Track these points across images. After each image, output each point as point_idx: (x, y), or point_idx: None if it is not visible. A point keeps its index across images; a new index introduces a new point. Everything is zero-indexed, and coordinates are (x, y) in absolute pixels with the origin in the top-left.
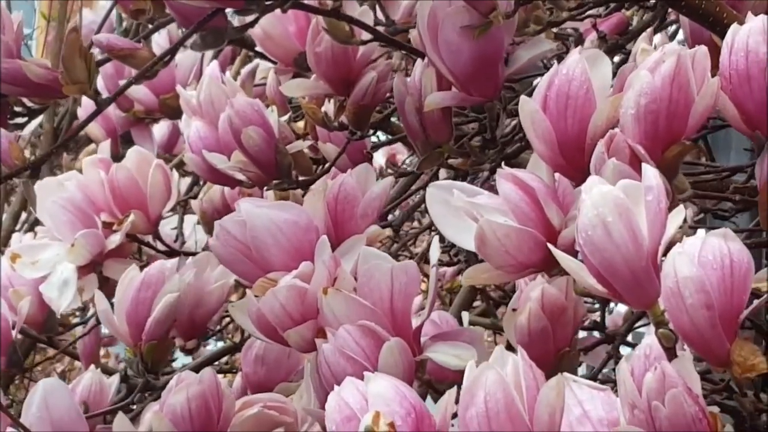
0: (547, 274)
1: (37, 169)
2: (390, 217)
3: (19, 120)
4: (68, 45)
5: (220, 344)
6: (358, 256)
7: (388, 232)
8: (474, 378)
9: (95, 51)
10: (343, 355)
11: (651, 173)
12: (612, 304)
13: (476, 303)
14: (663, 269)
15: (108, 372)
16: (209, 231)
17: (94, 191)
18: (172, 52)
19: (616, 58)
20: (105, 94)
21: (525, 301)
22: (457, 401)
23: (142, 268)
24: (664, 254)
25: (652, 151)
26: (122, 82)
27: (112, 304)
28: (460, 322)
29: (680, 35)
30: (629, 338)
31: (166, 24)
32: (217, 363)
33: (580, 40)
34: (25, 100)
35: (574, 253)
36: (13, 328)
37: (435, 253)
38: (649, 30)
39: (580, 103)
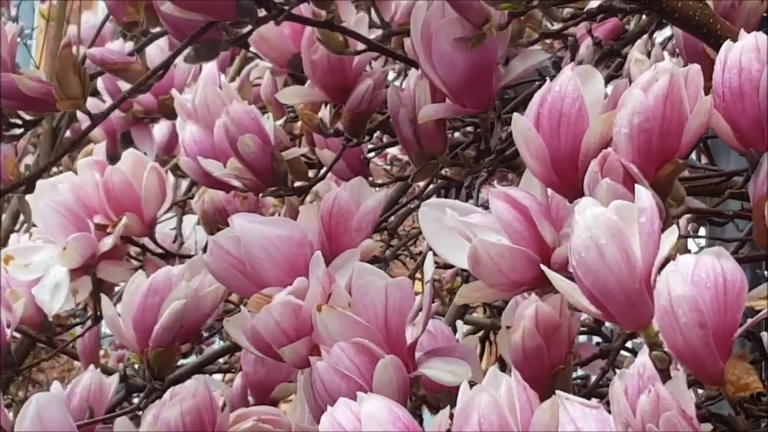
0: (542, 291)
1: (32, 185)
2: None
3: (16, 131)
4: (61, 60)
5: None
6: (353, 270)
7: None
8: (468, 400)
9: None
10: (337, 372)
11: (644, 194)
12: None
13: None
14: (656, 288)
15: (107, 372)
16: (210, 231)
17: (88, 193)
18: (165, 66)
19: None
20: (104, 94)
21: (519, 319)
22: (451, 418)
23: (137, 269)
24: (659, 273)
25: (645, 170)
26: (120, 83)
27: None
28: (456, 330)
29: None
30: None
31: (160, 36)
32: (216, 362)
33: (575, 45)
34: (20, 111)
35: (568, 272)
36: (8, 327)
37: (429, 269)
38: (644, 37)
39: (573, 121)
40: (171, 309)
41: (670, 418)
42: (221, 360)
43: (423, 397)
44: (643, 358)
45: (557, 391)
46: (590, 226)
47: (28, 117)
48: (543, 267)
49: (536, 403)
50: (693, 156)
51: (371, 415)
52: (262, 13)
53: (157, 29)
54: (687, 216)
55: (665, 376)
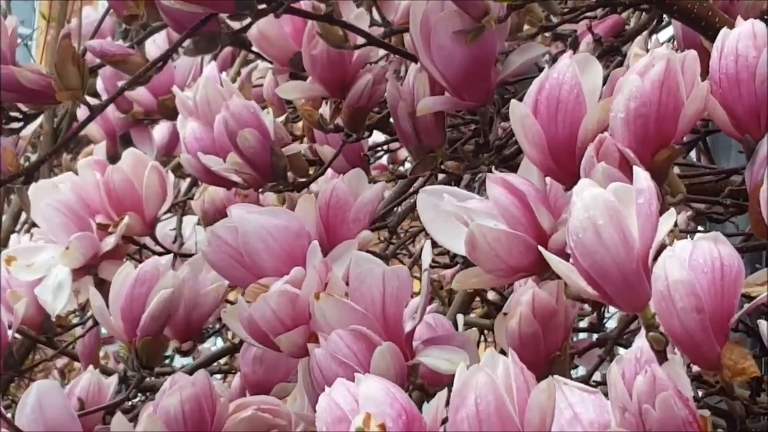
0: (538, 277)
1: (30, 176)
2: (389, 217)
3: (15, 125)
4: (61, 51)
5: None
6: (350, 260)
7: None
8: (464, 380)
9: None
10: (335, 359)
11: (642, 176)
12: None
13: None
14: (654, 272)
15: (107, 372)
16: None
17: (89, 193)
18: (164, 58)
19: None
20: (104, 95)
21: (516, 305)
22: (448, 403)
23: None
24: (655, 258)
25: (641, 155)
26: (121, 83)
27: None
28: (457, 326)
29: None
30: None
31: (160, 29)
32: (216, 363)
33: (575, 42)
34: (20, 104)
35: (565, 257)
36: (10, 328)
37: (427, 258)
38: (644, 33)
39: (571, 107)
40: (158, 298)
41: (666, 398)
42: (221, 361)
43: (420, 385)
44: (641, 342)
45: (555, 376)
46: (588, 207)
47: (27, 110)
48: (541, 249)
49: (533, 384)
50: (692, 155)
51: (368, 396)
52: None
53: (157, 23)
54: (688, 214)
55: (662, 357)
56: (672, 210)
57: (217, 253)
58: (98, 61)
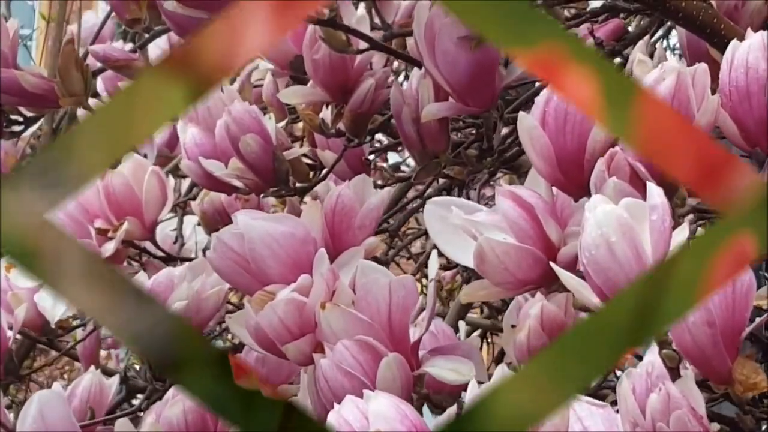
0: (546, 290)
1: None
2: (391, 220)
3: (16, 128)
4: (64, 57)
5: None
6: (356, 268)
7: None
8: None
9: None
10: (340, 370)
11: (655, 192)
12: None
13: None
14: None
15: (108, 373)
16: (210, 232)
17: (88, 198)
18: None
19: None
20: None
21: (524, 318)
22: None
23: (137, 273)
24: None
25: (652, 169)
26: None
27: None
28: (457, 330)
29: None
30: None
31: (162, 33)
32: None
33: None
34: (21, 108)
35: (574, 270)
36: (10, 329)
37: (433, 268)
38: (646, 38)
39: (579, 119)
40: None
41: (680, 416)
42: None
43: (426, 395)
44: (651, 357)
45: None
46: (601, 224)
47: (28, 114)
48: (552, 265)
49: None
50: None
51: (378, 413)
52: None
53: (159, 27)
54: (688, 218)
55: (674, 374)
56: (684, 225)
57: (223, 260)
58: (99, 64)
